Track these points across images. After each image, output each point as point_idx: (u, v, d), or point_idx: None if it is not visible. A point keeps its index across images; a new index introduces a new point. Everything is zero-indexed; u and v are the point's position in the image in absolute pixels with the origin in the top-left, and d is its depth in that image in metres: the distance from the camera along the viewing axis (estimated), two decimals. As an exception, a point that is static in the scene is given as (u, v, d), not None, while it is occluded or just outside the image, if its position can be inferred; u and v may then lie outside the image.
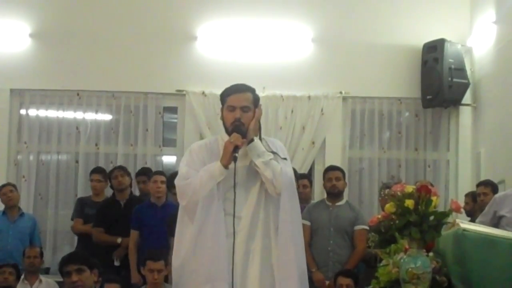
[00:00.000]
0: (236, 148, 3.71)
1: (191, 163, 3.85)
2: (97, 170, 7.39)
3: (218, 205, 3.73)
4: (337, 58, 8.19)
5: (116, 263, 6.73)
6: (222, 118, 3.90)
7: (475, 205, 6.77)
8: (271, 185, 3.75)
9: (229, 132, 3.80)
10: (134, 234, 6.61)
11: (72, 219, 7.31)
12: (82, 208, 7.21)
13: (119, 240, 6.75)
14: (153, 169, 7.47)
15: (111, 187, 7.16)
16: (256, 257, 3.75)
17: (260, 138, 3.88)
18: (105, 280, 5.37)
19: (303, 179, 7.16)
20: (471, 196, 6.94)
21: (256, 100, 3.90)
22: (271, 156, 3.79)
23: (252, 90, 3.91)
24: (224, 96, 3.90)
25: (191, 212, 3.74)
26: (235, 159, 3.70)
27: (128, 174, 7.12)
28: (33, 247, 6.85)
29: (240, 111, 3.82)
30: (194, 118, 7.95)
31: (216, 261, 3.66)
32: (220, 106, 3.95)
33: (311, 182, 7.42)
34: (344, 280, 6.03)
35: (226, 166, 3.72)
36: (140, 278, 6.22)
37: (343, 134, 8.17)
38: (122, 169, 7.14)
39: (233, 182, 3.75)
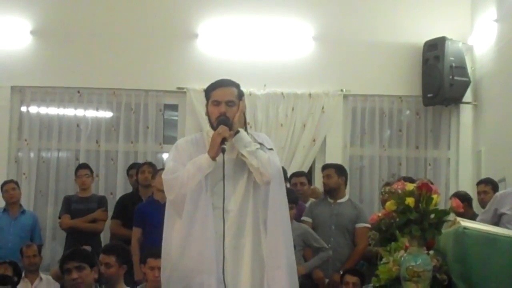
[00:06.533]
0: (224, 140, 3.71)
1: (178, 158, 3.85)
2: (84, 166, 7.44)
3: (206, 198, 3.72)
4: (338, 56, 8.19)
5: None
6: (207, 114, 3.91)
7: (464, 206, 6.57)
8: (259, 174, 3.74)
9: (214, 127, 3.80)
10: (137, 231, 6.62)
11: (59, 217, 7.35)
12: (69, 204, 7.26)
13: None
14: (154, 167, 7.49)
15: (137, 181, 7.20)
16: (247, 250, 3.76)
17: (246, 131, 3.89)
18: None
19: (301, 176, 7.15)
20: (458, 197, 6.73)
21: (240, 94, 3.92)
22: (258, 146, 3.80)
23: (237, 85, 3.93)
24: (209, 91, 3.91)
25: (179, 206, 3.73)
26: (223, 150, 3.70)
27: (156, 172, 7.12)
28: (30, 245, 6.81)
29: (225, 105, 3.82)
30: (195, 115, 7.95)
31: (204, 255, 3.67)
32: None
33: (309, 180, 7.42)
34: (351, 278, 6.03)
35: (213, 158, 3.71)
36: (143, 275, 6.23)
37: (344, 132, 8.17)
38: (151, 166, 7.17)
39: (222, 174, 3.74)
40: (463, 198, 6.60)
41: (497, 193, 5.94)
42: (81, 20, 8.16)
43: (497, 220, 5.54)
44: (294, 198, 5.98)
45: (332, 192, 6.65)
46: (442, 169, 8.18)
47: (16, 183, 7.40)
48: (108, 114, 8.24)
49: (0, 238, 7.12)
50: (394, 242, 3.61)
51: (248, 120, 4.13)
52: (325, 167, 6.84)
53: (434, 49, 7.89)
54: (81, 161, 7.86)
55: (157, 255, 5.59)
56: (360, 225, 6.49)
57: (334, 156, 7.88)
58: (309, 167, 8.00)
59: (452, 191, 7.99)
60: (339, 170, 6.79)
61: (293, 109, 8.04)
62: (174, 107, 8.32)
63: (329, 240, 6.44)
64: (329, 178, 6.66)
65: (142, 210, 6.64)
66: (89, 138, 8.12)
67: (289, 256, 3.82)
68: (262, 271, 3.74)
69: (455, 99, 7.96)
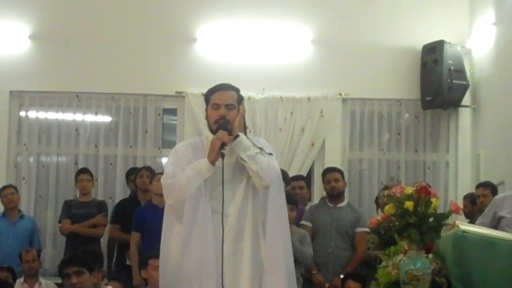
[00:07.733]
0: (223, 145, 3.72)
1: (177, 162, 3.85)
2: (85, 171, 7.44)
3: (205, 202, 3.72)
4: (337, 60, 8.19)
5: (128, 263, 6.75)
6: (207, 118, 3.92)
7: (473, 207, 6.78)
8: (258, 178, 3.75)
9: (213, 131, 3.81)
10: (135, 236, 6.61)
11: (59, 222, 7.34)
12: (69, 209, 7.25)
13: None
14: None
15: (135, 185, 7.21)
16: (246, 255, 3.76)
17: (245, 135, 3.89)
18: (108, 278, 5.39)
19: (299, 180, 7.14)
20: (469, 198, 6.95)
21: (240, 98, 3.93)
22: (257, 150, 3.80)
23: (236, 90, 3.94)
24: (208, 95, 3.92)
25: (178, 211, 3.74)
26: (222, 155, 3.71)
27: (153, 176, 7.12)
28: (29, 250, 6.80)
29: (225, 108, 3.83)
30: (194, 119, 7.94)
31: (203, 259, 3.67)
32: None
33: (308, 183, 7.41)
34: (353, 284, 6.01)
35: (213, 163, 3.72)
36: (142, 280, 6.22)
37: (343, 136, 8.16)
38: (149, 170, 7.17)
39: (221, 179, 3.74)
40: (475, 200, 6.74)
41: (496, 197, 5.95)
42: (80, 25, 8.16)
43: (496, 223, 5.54)
44: (294, 200, 5.97)
45: (339, 195, 6.65)
46: (441, 172, 8.17)
47: (15, 187, 7.40)
48: (107, 118, 8.23)
49: (-1, 243, 7.13)
50: (393, 246, 3.61)
51: (247, 124, 4.12)
52: (331, 170, 6.80)
53: (433, 52, 7.89)
54: (80, 165, 7.86)
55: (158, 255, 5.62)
56: (359, 229, 6.48)
57: (333, 159, 7.87)
58: (307, 171, 8.00)
59: (451, 194, 8.01)
60: (342, 173, 6.81)
61: (291, 113, 8.03)
62: (173, 111, 8.32)
63: (329, 244, 6.44)
64: (338, 181, 6.66)
65: (141, 214, 6.64)
66: (88, 143, 8.11)
67: (288, 261, 3.82)
68: (261, 275, 3.75)
69: (453, 103, 7.97)
